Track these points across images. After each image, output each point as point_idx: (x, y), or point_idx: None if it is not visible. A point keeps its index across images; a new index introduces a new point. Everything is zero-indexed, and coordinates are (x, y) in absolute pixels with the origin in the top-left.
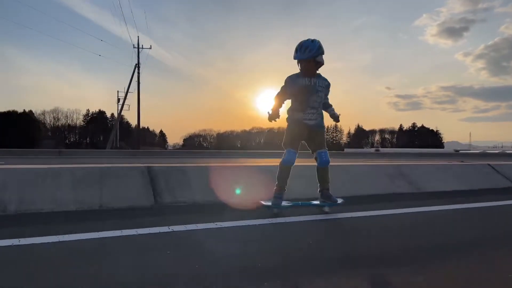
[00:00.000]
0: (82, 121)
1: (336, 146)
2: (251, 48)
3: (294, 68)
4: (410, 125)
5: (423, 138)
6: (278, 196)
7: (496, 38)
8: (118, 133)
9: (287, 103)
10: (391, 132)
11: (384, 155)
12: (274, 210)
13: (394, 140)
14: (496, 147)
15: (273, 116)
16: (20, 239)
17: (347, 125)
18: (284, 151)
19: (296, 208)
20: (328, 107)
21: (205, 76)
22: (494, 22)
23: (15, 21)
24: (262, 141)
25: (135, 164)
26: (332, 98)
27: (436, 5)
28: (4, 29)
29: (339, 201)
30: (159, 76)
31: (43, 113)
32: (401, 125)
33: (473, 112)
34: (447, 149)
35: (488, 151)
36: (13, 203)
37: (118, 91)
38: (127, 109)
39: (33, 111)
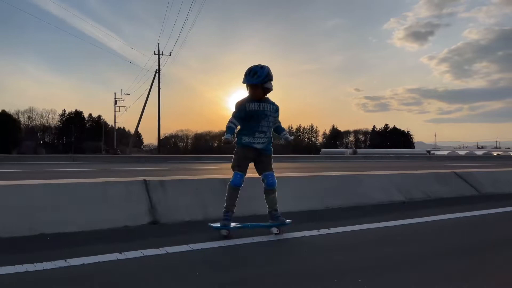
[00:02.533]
0: (58, 121)
1: (312, 147)
2: (224, 48)
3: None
4: (383, 126)
5: (395, 139)
6: (226, 217)
7: (459, 42)
8: (115, 137)
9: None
10: (365, 133)
11: (370, 157)
12: (223, 232)
13: (368, 141)
14: (461, 148)
15: (231, 141)
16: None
17: (322, 126)
18: (232, 174)
19: (246, 229)
20: (281, 131)
21: (178, 75)
22: (458, 27)
23: None
24: None
25: None
26: (305, 99)
27: (403, 10)
28: None
29: (287, 221)
30: (129, 74)
31: (17, 113)
32: (374, 126)
33: (437, 113)
34: (418, 149)
35: (457, 151)
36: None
37: (115, 93)
38: (124, 111)
39: (6, 111)
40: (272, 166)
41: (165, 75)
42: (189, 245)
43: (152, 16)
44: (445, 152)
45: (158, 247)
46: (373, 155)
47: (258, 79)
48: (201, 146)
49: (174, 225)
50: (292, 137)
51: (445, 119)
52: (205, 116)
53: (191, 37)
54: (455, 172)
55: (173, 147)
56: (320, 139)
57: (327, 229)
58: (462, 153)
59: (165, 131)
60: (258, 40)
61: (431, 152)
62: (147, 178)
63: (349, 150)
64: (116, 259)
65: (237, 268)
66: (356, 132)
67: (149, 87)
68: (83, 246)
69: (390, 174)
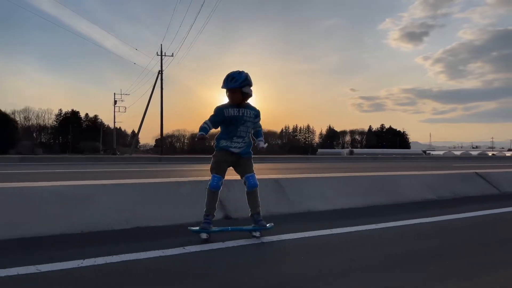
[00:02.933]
0: (54, 121)
1: (308, 147)
2: (221, 48)
3: (262, 72)
4: (379, 126)
5: (391, 139)
6: (206, 221)
7: (454, 42)
8: (114, 137)
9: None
10: (361, 133)
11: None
12: (202, 236)
13: (364, 141)
14: (455, 148)
15: (205, 138)
16: None
17: (318, 126)
18: (211, 176)
19: (226, 233)
20: (258, 136)
21: (174, 75)
22: (453, 27)
23: None
24: None
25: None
26: (302, 99)
27: (398, 10)
28: None
29: (269, 225)
30: (126, 74)
31: (13, 113)
32: (370, 127)
33: (432, 113)
34: (414, 149)
35: (453, 151)
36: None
37: (114, 94)
38: (124, 111)
39: (2, 111)
40: (253, 168)
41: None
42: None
43: (149, 16)
44: (441, 152)
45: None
46: (379, 155)
47: (236, 83)
48: (198, 146)
49: (243, 219)
50: (265, 145)
51: (439, 119)
52: (201, 116)
53: (188, 37)
54: (476, 173)
55: (170, 147)
56: (316, 139)
57: (372, 225)
58: (457, 153)
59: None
60: (255, 41)
61: (427, 152)
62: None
63: (346, 150)
64: (200, 250)
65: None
66: (352, 132)
67: (152, 88)
68: (174, 238)
69: (422, 175)
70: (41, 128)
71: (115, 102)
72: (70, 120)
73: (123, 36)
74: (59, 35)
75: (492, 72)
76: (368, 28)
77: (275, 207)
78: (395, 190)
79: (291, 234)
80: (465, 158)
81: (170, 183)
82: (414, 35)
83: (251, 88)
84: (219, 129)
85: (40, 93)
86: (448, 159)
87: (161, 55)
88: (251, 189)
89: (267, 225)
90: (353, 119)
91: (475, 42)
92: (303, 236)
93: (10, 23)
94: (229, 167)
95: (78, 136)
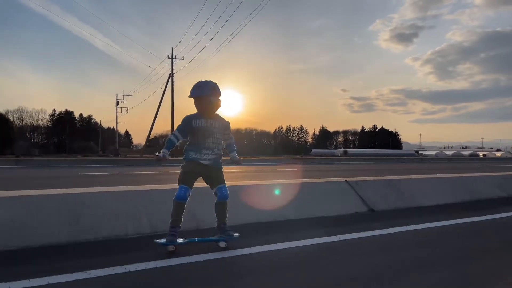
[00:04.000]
0: (48, 121)
1: (302, 147)
2: (212, 47)
3: (254, 72)
4: (371, 126)
5: (383, 139)
6: (172, 232)
7: (443, 44)
8: (117, 138)
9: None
10: (354, 133)
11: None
12: (169, 248)
13: (357, 141)
14: (446, 148)
15: (163, 159)
16: None
17: (311, 126)
18: (177, 187)
19: (193, 244)
20: (231, 151)
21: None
22: (442, 29)
23: None
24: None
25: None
26: (293, 99)
27: (389, 11)
28: None
29: (235, 235)
30: (116, 74)
31: (7, 113)
32: (363, 127)
33: (421, 114)
34: (406, 150)
35: (445, 152)
36: None
37: (117, 94)
38: (126, 112)
39: None
40: (224, 179)
41: (160, 76)
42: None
43: (140, 17)
44: (433, 153)
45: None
46: (386, 157)
47: (202, 91)
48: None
49: (386, 212)
50: (240, 159)
51: (429, 120)
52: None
53: (184, 36)
54: None
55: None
56: (310, 139)
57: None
58: (449, 153)
59: (154, 130)
60: (246, 41)
61: (419, 152)
62: (347, 179)
63: (340, 151)
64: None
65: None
66: (345, 133)
67: (163, 90)
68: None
69: (491, 176)
70: (35, 128)
71: (117, 103)
72: (64, 120)
73: (113, 35)
74: (56, 35)
75: (480, 73)
76: (359, 29)
77: (393, 203)
78: (475, 189)
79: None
80: (465, 159)
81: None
82: (404, 36)
83: (219, 98)
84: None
85: (32, 93)
86: (462, 160)
87: (172, 59)
88: (223, 199)
89: (234, 234)
90: (344, 119)
91: (464, 44)
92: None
93: (4, 23)
94: (198, 178)
95: (72, 136)
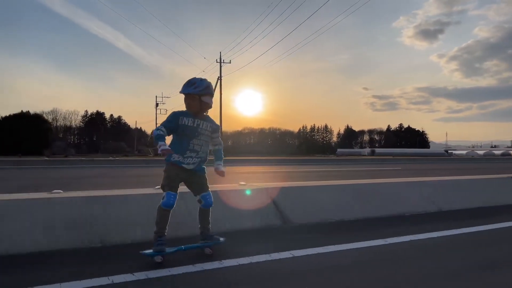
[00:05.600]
0: (81, 122)
1: (326, 147)
2: (228, 45)
3: (275, 71)
4: (397, 126)
5: (410, 138)
6: (159, 242)
7: (470, 40)
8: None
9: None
10: (379, 132)
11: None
12: (157, 259)
13: (383, 140)
14: (475, 147)
15: (168, 151)
16: None
17: (336, 126)
18: (163, 194)
19: (181, 252)
20: (217, 159)
21: (185, 75)
22: (468, 25)
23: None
24: (252, 141)
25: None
26: (315, 98)
27: (413, 8)
28: None
29: (221, 239)
30: (134, 74)
31: (42, 114)
32: (389, 126)
33: (446, 112)
34: (435, 149)
35: (476, 151)
36: None
37: (156, 96)
38: (165, 113)
39: (31, 112)
40: (207, 185)
41: (166, 74)
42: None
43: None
44: (463, 152)
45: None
46: (418, 157)
47: (195, 89)
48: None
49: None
50: (224, 169)
51: (454, 118)
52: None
53: (198, 36)
54: None
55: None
56: (334, 138)
57: None
58: (480, 152)
59: None
60: (264, 39)
61: (449, 151)
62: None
63: (367, 150)
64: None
65: None
66: (370, 132)
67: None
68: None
69: None
70: (67, 129)
71: (157, 104)
72: (95, 120)
73: (134, 37)
74: (88, 40)
75: (508, 70)
76: (382, 26)
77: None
78: None
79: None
80: (499, 158)
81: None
82: (428, 33)
83: (212, 99)
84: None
85: (60, 94)
86: (498, 160)
87: (220, 62)
88: (207, 207)
89: (220, 239)
90: (367, 118)
91: (491, 40)
92: None
93: (32, 26)
94: (181, 182)
95: (102, 136)
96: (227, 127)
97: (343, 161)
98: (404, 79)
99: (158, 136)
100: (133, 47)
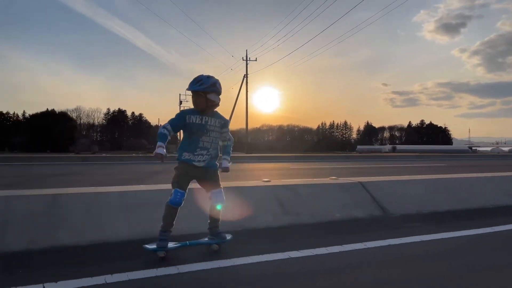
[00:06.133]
0: (103, 119)
1: (346, 144)
2: (246, 41)
3: (295, 69)
4: (418, 122)
5: (432, 135)
6: (163, 237)
7: (492, 34)
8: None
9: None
10: (400, 129)
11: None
12: (160, 254)
13: (403, 137)
14: (499, 143)
15: (163, 158)
16: None
17: (356, 122)
18: (172, 191)
19: (185, 248)
20: (225, 153)
21: (205, 72)
22: (491, 18)
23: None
24: (271, 138)
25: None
26: (333, 95)
27: (434, 1)
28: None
29: (228, 237)
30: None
31: (67, 112)
32: (410, 122)
33: (469, 108)
34: (458, 145)
35: (501, 148)
36: None
37: (180, 94)
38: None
39: (56, 110)
40: (220, 182)
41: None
42: None
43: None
44: (488, 149)
45: None
46: (440, 154)
47: (201, 86)
48: (235, 142)
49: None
50: (229, 165)
51: (477, 114)
52: (236, 113)
53: (215, 34)
54: None
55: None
56: (354, 135)
57: None
58: (505, 149)
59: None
60: (283, 33)
61: (473, 148)
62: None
63: (388, 147)
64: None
65: None
66: (391, 128)
67: (238, 90)
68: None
69: None
70: (90, 126)
71: (180, 102)
72: (117, 118)
73: (153, 35)
74: (108, 39)
75: None
76: (401, 20)
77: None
78: None
79: None
80: None
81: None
82: (450, 27)
83: (219, 97)
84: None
85: (81, 92)
86: None
87: (246, 60)
88: (220, 205)
89: (227, 237)
90: (386, 115)
91: None
92: None
93: (54, 26)
94: (192, 180)
95: (124, 133)
96: (244, 124)
97: (369, 158)
98: (424, 75)
99: (160, 135)
100: (153, 45)
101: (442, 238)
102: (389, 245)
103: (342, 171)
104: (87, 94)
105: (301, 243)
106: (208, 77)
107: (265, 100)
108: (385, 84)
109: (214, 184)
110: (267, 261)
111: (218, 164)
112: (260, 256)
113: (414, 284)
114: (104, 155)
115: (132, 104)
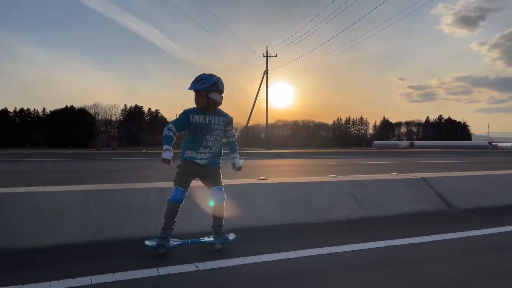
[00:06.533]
0: (121, 115)
1: (362, 139)
2: (260, 35)
3: (310, 64)
4: (436, 117)
5: (450, 130)
6: (164, 234)
7: None
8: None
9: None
10: (418, 124)
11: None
12: (160, 250)
13: (421, 132)
14: None
15: (168, 162)
16: None
17: (372, 118)
18: (173, 189)
19: (186, 246)
20: (233, 152)
21: (216, 69)
22: (511, 11)
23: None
24: (285, 133)
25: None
26: (349, 90)
27: None
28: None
29: (231, 237)
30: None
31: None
32: (427, 118)
33: (488, 103)
34: (477, 141)
35: None
36: None
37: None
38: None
39: (74, 107)
40: (221, 179)
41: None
42: None
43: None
44: (508, 144)
45: None
46: (460, 150)
47: (202, 86)
48: (250, 138)
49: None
50: (241, 162)
51: (497, 109)
52: (247, 109)
53: (232, 26)
54: None
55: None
56: (370, 130)
57: None
58: None
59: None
60: (298, 27)
61: (493, 144)
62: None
63: (405, 142)
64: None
65: None
66: (408, 124)
67: (258, 86)
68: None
69: None
70: (108, 122)
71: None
72: (134, 114)
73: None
74: (124, 35)
75: None
76: (419, 14)
77: None
78: None
79: None
80: None
81: None
82: (469, 20)
83: (221, 95)
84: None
85: (104, 89)
86: None
87: (267, 56)
88: (219, 202)
89: (230, 237)
90: (403, 110)
91: None
92: None
93: (70, 23)
94: (194, 178)
95: (141, 129)
96: (260, 120)
97: (399, 154)
98: (442, 69)
99: (165, 137)
100: (167, 41)
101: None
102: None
103: (378, 167)
104: (103, 90)
105: (381, 234)
106: (210, 75)
107: (280, 95)
108: (401, 79)
109: (216, 181)
110: (364, 248)
111: (220, 162)
112: (357, 244)
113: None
114: (143, 151)
115: (149, 100)
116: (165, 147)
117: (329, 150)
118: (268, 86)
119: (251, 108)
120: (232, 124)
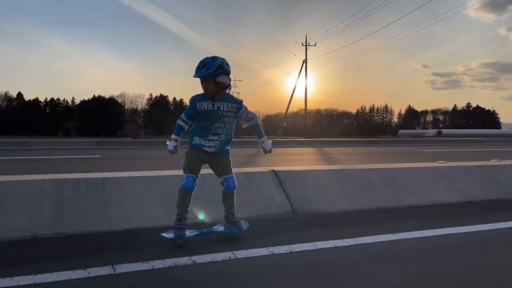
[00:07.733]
0: (146, 105)
1: (387, 128)
2: (281, 25)
3: (332, 53)
4: (464, 105)
5: (478, 118)
6: (180, 225)
7: None
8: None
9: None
10: (444, 112)
11: None
12: (177, 242)
13: (447, 121)
14: None
15: (171, 152)
16: None
17: (397, 106)
18: (183, 176)
19: (202, 236)
20: (259, 136)
21: (237, 58)
22: None
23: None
24: (308, 122)
25: None
26: (372, 77)
27: None
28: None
29: (245, 226)
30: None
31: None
32: (455, 106)
33: None
34: (506, 130)
35: None
36: None
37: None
38: (237, 96)
39: (102, 96)
40: (231, 167)
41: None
42: None
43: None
44: None
45: None
46: (491, 138)
47: (208, 71)
48: (271, 127)
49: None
50: (270, 146)
51: None
52: (273, 98)
53: (247, 18)
54: None
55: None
56: (395, 119)
57: None
58: None
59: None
60: (318, 15)
61: None
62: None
63: (433, 131)
64: None
65: None
66: (434, 112)
67: (297, 75)
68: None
69: None
70: (134, 111)
71: (230, 88)
72: (159, 103)
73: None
74: (147, 26)
75: None
76: None
77: None
78: None
79: None
80: None
81: None
82: (497, 4)
83: (228, 76)
84: None
85: (129, 80)
86: None
87: (306, 45)
88: (230, 190)
89: (243, 226)
90: (426, 97)
91: None
92: None
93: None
94: (204, 164)
95: (167, 118)
96: (281, 109)
97: (432, 143)
98: (468, 55)
99: (177, 127)
100: (187, 31)
101: None
102: None
103: (424, 156)
104: (126, 80)
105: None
106: (213, 58)
107: (303, 84)
108: (425, 66)
109: (225, 169)
110: (475, 230)
111: (229, 149)
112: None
113: None
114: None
115: (172, 90)
116: (172, 136)
117: (393, 138)
118: (306, 75)
119: (289, 99)
120: (243, 107)
